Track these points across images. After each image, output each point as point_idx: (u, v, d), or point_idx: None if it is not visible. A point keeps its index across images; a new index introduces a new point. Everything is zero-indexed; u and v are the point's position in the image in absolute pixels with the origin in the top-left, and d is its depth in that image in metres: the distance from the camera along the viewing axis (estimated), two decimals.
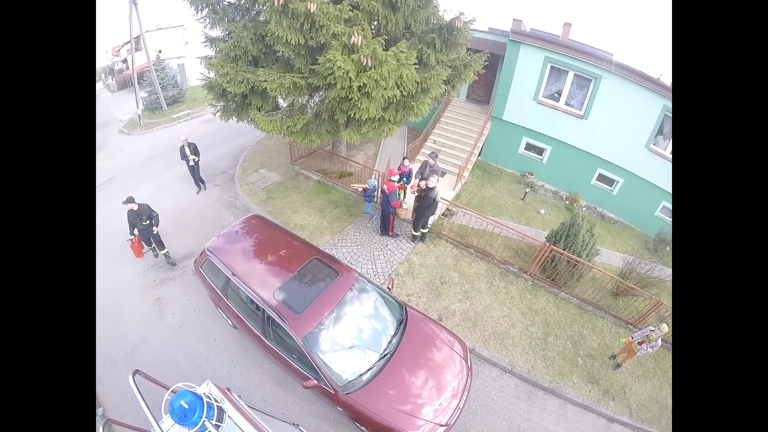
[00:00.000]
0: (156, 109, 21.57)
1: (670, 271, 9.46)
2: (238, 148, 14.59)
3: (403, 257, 8.70)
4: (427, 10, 8.22)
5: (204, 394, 3.37)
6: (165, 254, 8.76)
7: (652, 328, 6.37)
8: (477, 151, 12.60)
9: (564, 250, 8.10)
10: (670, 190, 11.67)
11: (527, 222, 11.13)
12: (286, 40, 6.88)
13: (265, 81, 7.26)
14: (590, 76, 11.39)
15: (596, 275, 8.47)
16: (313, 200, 10.62)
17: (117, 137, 19.34)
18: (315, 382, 5.00)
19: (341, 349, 5.24)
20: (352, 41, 6.67)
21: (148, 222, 8.16)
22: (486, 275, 8.64)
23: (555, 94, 12.29)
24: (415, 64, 7.37)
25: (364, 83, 6.78)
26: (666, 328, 6.28)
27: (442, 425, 4.88)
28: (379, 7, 7.33)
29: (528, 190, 12.63)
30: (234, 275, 5.87)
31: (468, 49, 9.63)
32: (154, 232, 8.33)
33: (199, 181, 11.52)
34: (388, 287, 6.34)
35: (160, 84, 21.41)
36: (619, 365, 7.22)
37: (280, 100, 9.30)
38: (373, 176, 9.71)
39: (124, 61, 48.85)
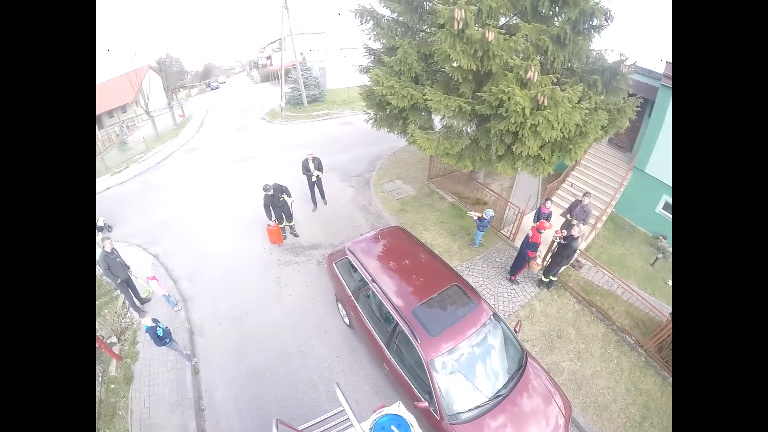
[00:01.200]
0: (297, 105, 23.85)
1: None
2: (375, 154, 15.20)
3: (526, 301, 8.33)
4: (590, 49, 7.97)
5: (410, 421, 3.55)
6: (291, 226, 9.53)
7: None
8: (614, 203, 11.68)
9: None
10: None
11: (652, 291, 9.89)
12: (458, 64, 7.06)
13: (431, 100, 7.54)
14: None
15: None
16: (446, 222, 10.61)
17: (259, 123, 21.71)
18: (426, 404, 5.00)
19: (459, 380, 5.18)
20: (528, 75, 6.65)
21: (282, 197, 8.95)
22: (602, 339, 7.91)
23: None
24: (583, 108, 7.12)
25: (538, 122, 6.70)
26: None
27: None
28: (549, 42, 7.21)
29: (659, 255, 11.28)
30: (373, 281, 6.10)
31: None
32: (290, 204, 9.15)
33: (316, 199, 11.35)
34: (515, 329, 6.14)
35: (303, 83, 23.62)
36: None
37: (436, 121, 9.62)
38: (507, 209, 9.53)
39: (268, 57, 54.76)
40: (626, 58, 7.84)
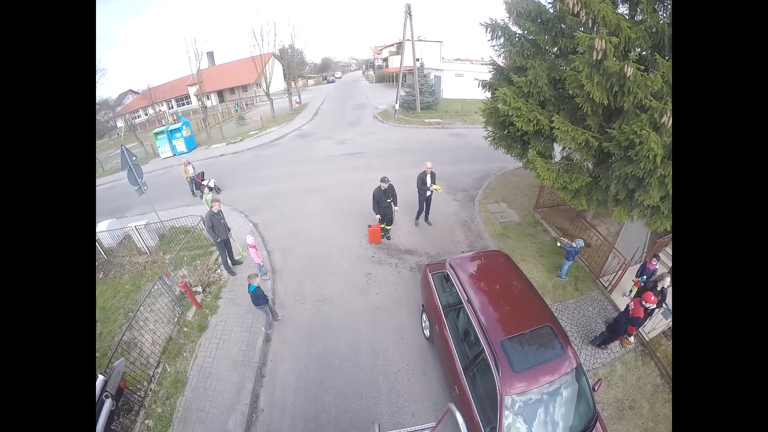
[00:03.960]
0: (410, 109, 24.40)
1: None
2: (482, 172, 14.97)
3: (608, 360, 7.52)
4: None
5: None
6: (387, 229, 9.82)
7: None
8: None
9: None
10: None
11: None
12: (591, 95, 6.65)
13: (558, 129, 7.22)
14: None
15: None
16: (546, 256, 10.07)
17: (371, 120, 22.61)
18: None
19: (526, 424, 4.95)
20: (662, 120, 6.00)
21: (390, 200, 9.18)
22: (644, 373, 7.19)
23: None
24: None
25: (669, 173, 6.07)
26: None
27: None
28: None
29: None
30: (468, 302, 6.04)
31: None
32: (395, 210, 9.40)
33: (421, 215, 11.07)
34: (594, 387, 5.66)
35: (419, 89, 24.04)
36: None
37: (555, 149, 9.17)
38: (611, 257, 8.72)
39: (384, 59, 56.77)
40: None
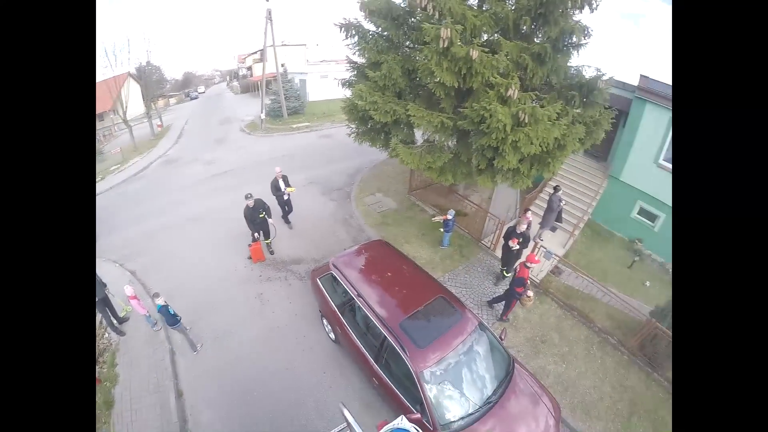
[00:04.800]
0: (277, 117, 23.72)
1: None
2: (355, 167, 15.26)
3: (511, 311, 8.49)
4: (569, 65, 8.23)
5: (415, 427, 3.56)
6: (268, 243, 9.44)
7: None
8: (591, 211, 12.06)
9: (667, 330, 7.41)
10: None
11: (631, 293, 10.22)
12: (442, 80, 7.20)
13: (413, 115, 7.65)
14: None
15: None
16: (427, 234, 10.70)
17: (238, 135, 21.53)
18: (419, 416, 5.02)
19: (449, 390, 5.26)
20: (508, 93, 6.82)
21: (263, 214, 8.87)
22: (585, 342, 8.20)
23: None
24: (563, 123, 7.36)
25: (519, 138, 6.87)
26: None
27: None
28: (529, 60, 7.44)
29: (636, 258, 11.65)
30: (359, 296, 6.12)
31: None
32: (270, 223, 9.10)
33: (288, 220, 10.95)
34: (501, 337, 6.25)
35: (283, 95, 23.56)
36: None
37: (417, 135, 9.73)
38: (487, 220, 9.69)
39: (249, 68, 54.44)
40: (603, 74, 8.15)
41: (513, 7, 7.61)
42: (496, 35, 8.04)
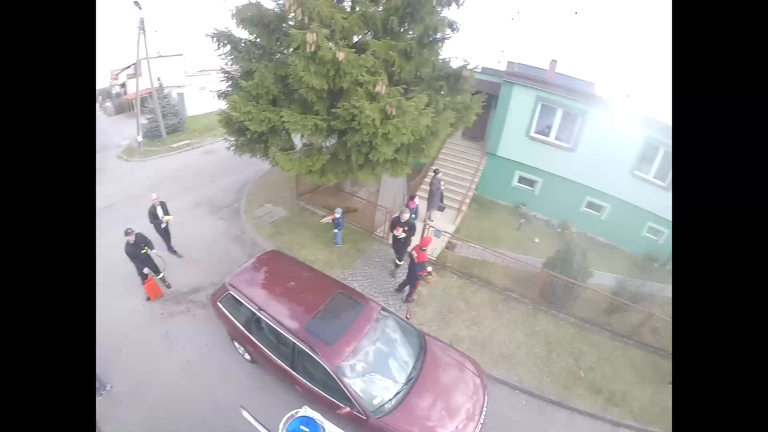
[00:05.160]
0: (155, 137, 21.63)
1: (659, 285, 10.16)
2: (241, 181, 14.72)
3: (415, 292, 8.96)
4: (436, 58, 8.80)
5: (318, 419, 3.62)
6: (161, 278, 8.84)
7: None
8: (474, 186, 13.19)
9: (561, 274, 8.70)
10: (655, 211, 12.66)
11: (524, 251, 11.59)
12: (311, 84, 7.30)
13: (288, 121, 7.66)
14: (577, 111, 12.32)
15: (591, 295, 9.09)
16: (321, 235, 10.77)
17: (115, 162, 19.33)
18: (349, 409, 5.19)
19: (370, 377, 5.49)
20: (376, 90, 7.16)
21: (146, 249, 8.27)
22: (490, 302, 9.10)
23: (545, 129, 13.11)
24: (429, 111, 7.91)
25: (389, 130, 7.22)
26: None
27: None
28: (396, 57, 7.88)
29: (522, 221, 13.21)
30: (260, 310, 6.06)
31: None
32: (154, 256, 8.50)
33: (173, 248, 10.19)
34: (407, 317, 6.65)
35: (161, 112, 21.57)
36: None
37: (296, 140, 9.69)
38: (377, 212, 10.12)
39: (122, 85, 48.64)
40: (468, 63, 8.92)
41: (382, 8, 8.00)
42: (368, 35, 8.35)
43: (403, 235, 8.52)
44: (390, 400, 5.34)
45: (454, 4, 8.29)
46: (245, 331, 6.41)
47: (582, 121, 12.35)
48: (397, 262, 9.31)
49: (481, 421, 5.53)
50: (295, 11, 7.28)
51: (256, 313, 6.14)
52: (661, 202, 12.58)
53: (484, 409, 5.69)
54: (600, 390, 7.59)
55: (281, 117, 7.81)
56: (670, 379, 8.19)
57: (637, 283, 9.67)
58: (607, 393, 7.56)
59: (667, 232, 13.23)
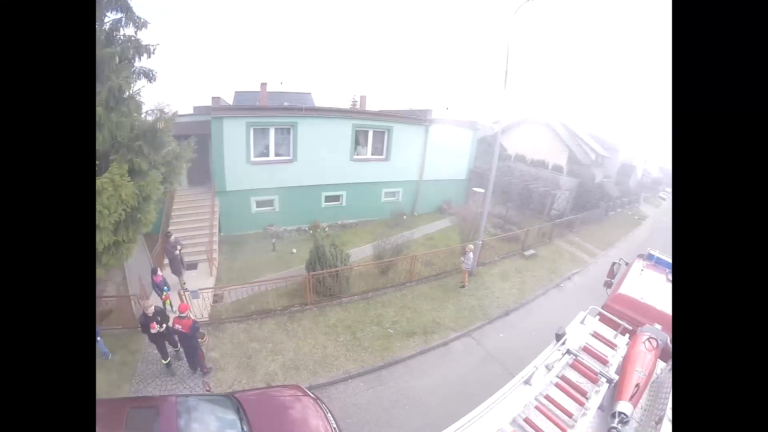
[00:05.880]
0: None
1: (409, 232, 13.30)
2: None
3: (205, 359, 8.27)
4: (130, 118, 8.12)
5: None
6: None
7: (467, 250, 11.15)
8: (216, 230, 13.01)
9: (322, 269, 10.07)
10: (383, 179, 16.77)
11: (286, 266, 12.49)
12: None
13: None
14: (288, 125, 14.15)
15: (360, 270, 10.92)
16: None
17: None
18: None
19: None
20: None
21: None
22: (279, 327, 9.48)
23: (264, 150, 14.32)
24: (128, 179, 7.34)
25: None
26: (470, 246, 11.10)
27: None
28: None
29: (274, 240, 14.02)
30: None
31: (176, 137, 9.63)
32: None
33: None
34: (207, 390, 6.45)
35: None
36: (464, 285, 11.84)
37: None
38: (132, 302, 8.91)
39: None
40: (163, 113, 8.60)
41: None
42: None
43: (161, 329, 7.56)
44: None
45: (145, 55, 7.95)
46: None
47: (294, 132, 14.20)
48: (174, 349, 8.30)
49: (334, 426, 5.94)
50: None
51: None
52: (384, 170, 16.61)
53: (329, 416, 6.08)
54: (413, 332, 9.44)
55: None
56: (461, 284, 11.47)
57: (392, 239, 12.13)
58: (420, 330, 9.49)
59: (400, 190, 17.65)
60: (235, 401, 6.24)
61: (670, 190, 56.88)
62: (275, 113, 14.06)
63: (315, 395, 6.62)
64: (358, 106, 21.64)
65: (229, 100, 20.77)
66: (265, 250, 13.71)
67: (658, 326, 5.49)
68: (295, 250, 13.67)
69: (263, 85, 15.60)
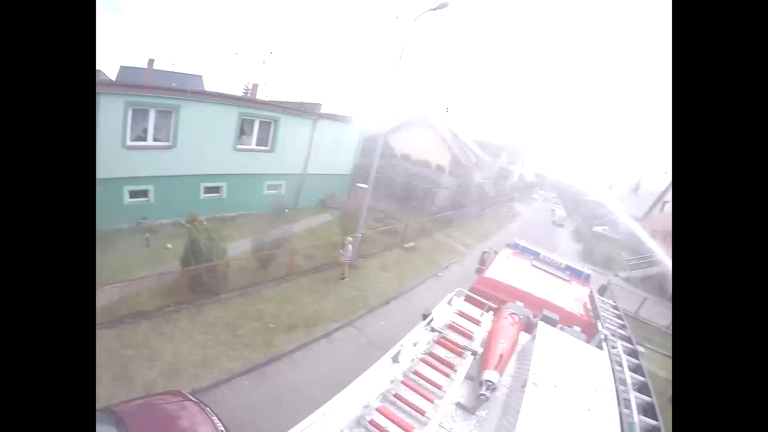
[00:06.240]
0: None
1: (288, 226, 13.03)
2: None
3: None
4: None
5: None
6: None
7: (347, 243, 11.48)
8: None
9: (198, 265, 9.73)
10: (266, 171, 16.30)
11: (161, 263, 11.38)
12: None
13: None
14: (171, 108, 13.13)
15: (239, 265, 10.63)
16: None
17: None
18: None
19: None
20: None
21: None
22: (153, 330, 8.77)
23: (142, 134, 13.03)
24: None
25: None
26: (350, 239, 11.43)
27: None
28: None
29: (147, 234, 12.89)
30: None
31: None
32: None
33: None
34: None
35: None
36: (344, 277, 12.25)
37: None
38: None
39: None
40: None
41: None
42: None
43: None
44: None
45: None
46: None
47: (176, 116, 13.23)
48: None
49: (221, 429, 5.77)
50: None
51: None
52: (268, 162, 16.26)
53: (214, 419, 5.90)
54: (294, 325, 9.51)
55: None
56: (341, 276, 11.90)
57: (272, 234, 12.09)
58: (301, 322, 9.59)
59: (284, 183, 17.39)
60: (113, 416, 5.74)
61: (542, 191, 65.55)
62: (159, 92, 12.93)
63: (198, 399, 6.42)
64: (249, 95, 20.87)
65: (112, 75, 18.52)
66: (137, 246, 12.54)
67: (520, 303, 6.02)
68: (170, 245, 12.75)
69: (151, 61, 14.13)
